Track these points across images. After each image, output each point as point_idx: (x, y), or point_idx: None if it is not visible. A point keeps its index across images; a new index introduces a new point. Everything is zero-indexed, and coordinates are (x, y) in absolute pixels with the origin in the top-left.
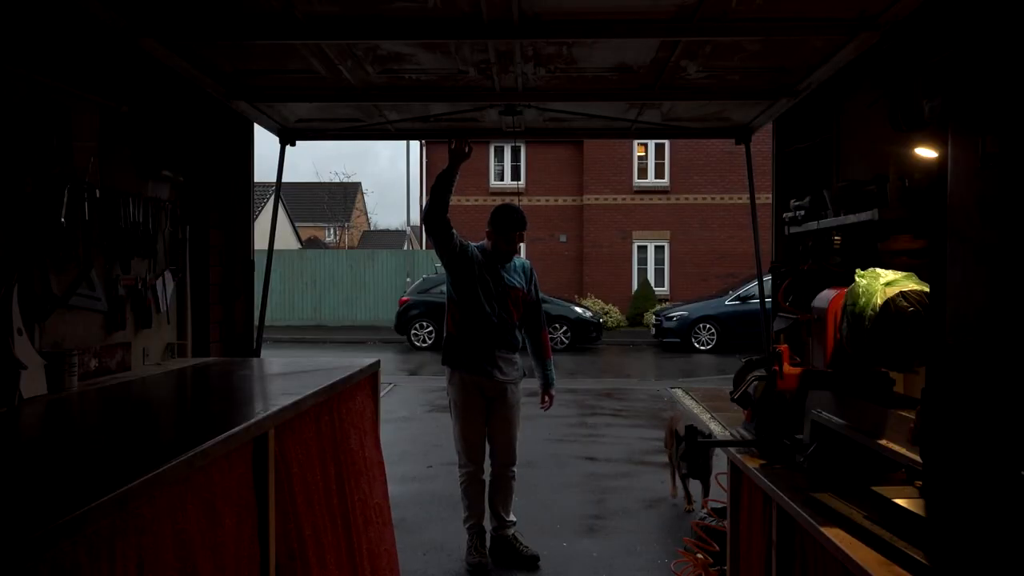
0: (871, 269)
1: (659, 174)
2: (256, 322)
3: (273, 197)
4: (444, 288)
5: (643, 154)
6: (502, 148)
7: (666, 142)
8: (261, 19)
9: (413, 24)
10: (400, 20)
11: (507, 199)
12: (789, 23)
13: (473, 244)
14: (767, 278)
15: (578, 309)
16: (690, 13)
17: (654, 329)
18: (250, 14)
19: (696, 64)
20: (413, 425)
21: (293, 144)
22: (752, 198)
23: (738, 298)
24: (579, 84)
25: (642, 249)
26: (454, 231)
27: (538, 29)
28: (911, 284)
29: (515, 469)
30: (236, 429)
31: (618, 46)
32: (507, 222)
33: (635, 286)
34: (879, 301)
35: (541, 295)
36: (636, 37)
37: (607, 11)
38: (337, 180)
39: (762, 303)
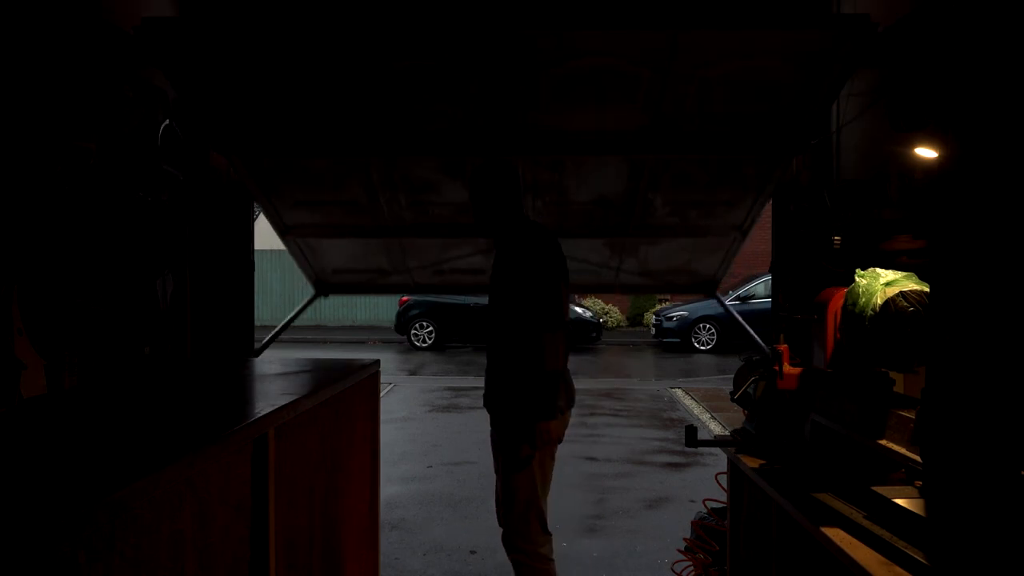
0: (871, 269)
1: None
2: (255, 322)
3: None
4: None
5: None
6: None
7: None
8: (320, 136)
9: (438, 141)
10: (430, 134)
11: None
12: (722, 143)
13: None
14: (767, 278)
15: (578, 309)
16: (648, 132)
17: (654, 329)
18: (310, 133)
19: (660, 197)
20: (413, 425)
21: (326, 296)
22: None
23: (738, 298)
24: (569, 220)
25: None
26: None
27: (534, 142)
28: (911, 284)
29: (519, 555)
30: (236, 429)
31: (598, 178)
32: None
33: None
34: (879, 301)
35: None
36: (609, 154)
37: (587, 127)
38: None
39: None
